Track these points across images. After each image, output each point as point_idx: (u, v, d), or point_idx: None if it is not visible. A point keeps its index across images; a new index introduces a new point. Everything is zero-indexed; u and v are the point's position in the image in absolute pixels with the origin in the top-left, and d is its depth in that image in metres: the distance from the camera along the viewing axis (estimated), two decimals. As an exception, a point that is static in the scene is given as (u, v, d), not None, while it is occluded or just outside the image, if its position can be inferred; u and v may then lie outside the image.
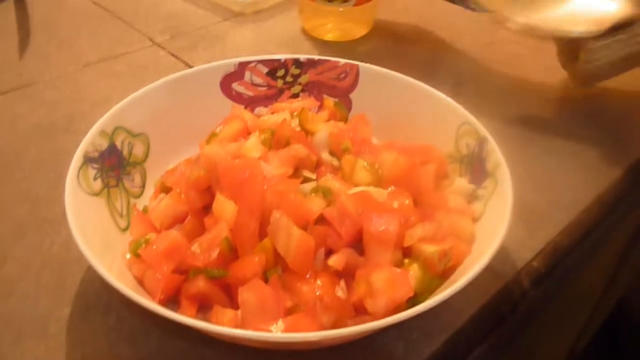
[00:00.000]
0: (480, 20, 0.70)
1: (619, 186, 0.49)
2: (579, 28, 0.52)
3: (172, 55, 0.63)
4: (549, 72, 0.63)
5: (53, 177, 0.47)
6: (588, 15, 0.52)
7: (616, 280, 0.84)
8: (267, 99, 0.48)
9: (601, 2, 0.53)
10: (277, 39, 0.66)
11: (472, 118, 0.42)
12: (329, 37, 0.65)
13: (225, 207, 0.35)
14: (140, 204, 0.41)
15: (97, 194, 0.38)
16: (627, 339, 1.06)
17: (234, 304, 0.34)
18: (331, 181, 0.37)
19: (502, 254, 0.41)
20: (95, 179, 0.38)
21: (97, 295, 0.38)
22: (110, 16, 0.70)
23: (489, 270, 0.40)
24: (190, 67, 0.60)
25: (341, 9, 0.63)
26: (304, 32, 0.67)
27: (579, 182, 0.48)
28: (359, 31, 0.66)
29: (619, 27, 0.51)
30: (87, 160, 0.38)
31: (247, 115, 0.45)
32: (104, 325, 0.36)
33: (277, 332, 0.31)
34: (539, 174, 0.48)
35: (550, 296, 0.50)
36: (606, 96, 0.59)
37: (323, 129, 0.41)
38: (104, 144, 0.40)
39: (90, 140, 0.39)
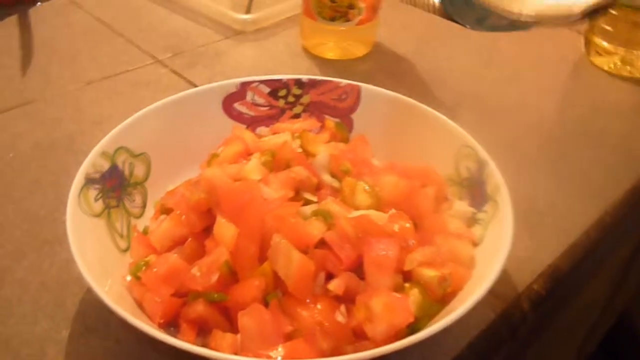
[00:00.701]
0: (479, 39, 0.70)
1: (620, 208, 0.49)
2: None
3: (174, 72, 0.63)
4: (549, 91, 0.63)
5: (53, 197, 0.47)
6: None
7: (616, 296, 0.84)
8: (269, 119, 0.48)
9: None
10: (278, 57, 0.66)
11: (472, 141, 0.42)
12: (330, 55, 0.66)
13: (225, 230, 0.35)
14: (141, 224, 0.41)
15: (97, 215, 0.38)
16: (627, 355, 1.06)
17: (233, 328, 0.34)
18: (331, 204, 0.37)
19: (502, 277, 0.41)
20: (96, 200, 0.38)
21: (96, 317, 0.38)
22: (112, 34, 0.70)
23: (489, 293, 0.40)
24: (192, 84, 0.60)
25: (342, 28, 0.63)
26: (305, 50, 0.67)
27: (579, 204, 0.48)
28: (360, 50, 0.66)
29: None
30: (89, 181, 0.38)
31: (247, 135, 0.45)
32: (103, 348, 0.36)
33: (277, 359, 0.31)
34: (538, 196, 0.49)
35: (550, 319, 0.50)
36: (607, 117, 0.59)
37: (324, 151, 0.41)
38: (106, 165, 0.40)
39: (91, 161, 0.39)
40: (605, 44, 0.64)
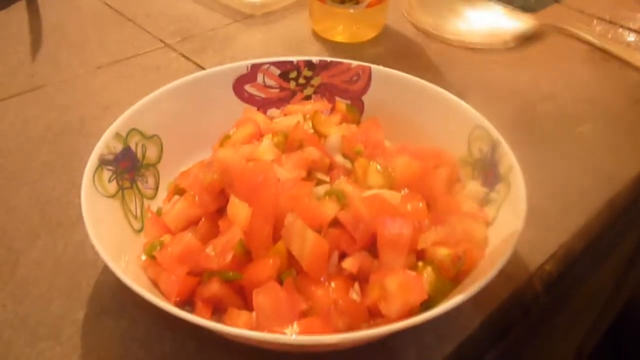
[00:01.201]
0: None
1: (631, 191, 0.49)
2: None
3: (183, 56, 0.63)
4: (561, 74, 0.63)
5: (65, 180, 0.47)
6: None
7: (624, 283, 0.84)
8: (280, 101, 0.48)
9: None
10: (287, 41, 0.66)
11: (485, 121, 0.42)
12: (339, 39, 0.65)
13: (239, 210, 0.35)
14: (154, 205, 0.41)
15: (112, 196, 0.38)
16: (634, 342, 1.06)
17: (248, 306, 0.34)
18: (345, 184, 0.37)
19: (514, 258, 0.41)
20: (110, 181, 0.38)
21: (111, 297, 0.38)
22: (122, 18, 0.70)
23: (501, 274, 0.40)
24: (202, 68, 0.60)
25: (352, 11, 0.63)
26: (314, 34, 0.67)
27: (590, 186, 0.48)
28: (369, 33, 0.66)
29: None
30: (102, 162, 0.38)
31: (259, 117, 0.45)
32: (118, 328, 0.37)
33: (292, 335, 0.31)
34: (550, 178, 0.48)
35: (562, 300, 0.50)
36: (620, 99, 0.58)
37: (336, 132, 0.41)
38: (119, 147, 0.40)
39: (105, 142, 0.39)
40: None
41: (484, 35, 0.64)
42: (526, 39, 0.66)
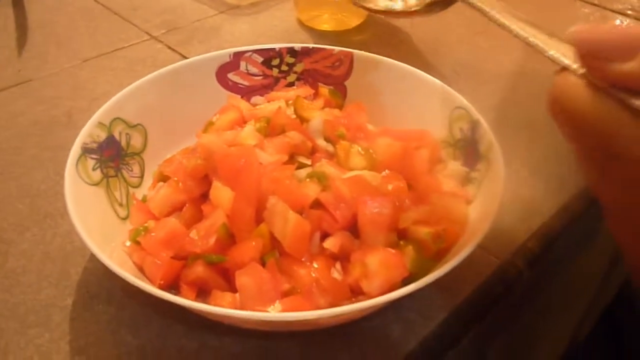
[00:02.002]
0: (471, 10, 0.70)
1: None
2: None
3: (169, 48, 0.63)
4: (542, 58, 0.63)
5: (53, 172, 0.47)
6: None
7: (616, 267, 0.85)
8: (263, 88, 0.49)
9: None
10: (273, 31, 0.66)
11: (465, 102, 0.42)
12: (325, 27, 0.66)
13: (222, 194, 0.36)
14: (140, 193, 0.42)
15: (96, 184, 0.38)
16: (628, 326, 1.06)
17: (232, 288, 0.35)
18: (326, 166, 0.38)
19: (497, 237, 0.41)
20: (94, 169, 0.39)
21: (99, 284, 0.39)
22: (107, 11, 0.70)
23: (484, 251, 0.40)
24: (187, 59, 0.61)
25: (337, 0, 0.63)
26: (300, 23, 0.67)
27: (570, 168, 0.48)
28: (354, 21, 0.66)
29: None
30: (85, 151, 0.39)
31: (243, 104, 0.45)
32: (106, 314, 0.37)
33: (274, 312, 0.31)
34: (531, 160, 0.49)
35: (546, 278, 0.51)
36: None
37: (318, 116, 0.42)
38: (102, 135, 0.41)
39: (88, 131, 0.40)
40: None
41: None
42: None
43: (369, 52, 0.49)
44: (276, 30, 0.67)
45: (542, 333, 0.74)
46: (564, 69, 0.26)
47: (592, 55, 0.23)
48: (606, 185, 0.26)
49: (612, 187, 0.26)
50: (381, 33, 0.66)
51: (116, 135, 0.42)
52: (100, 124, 0.40)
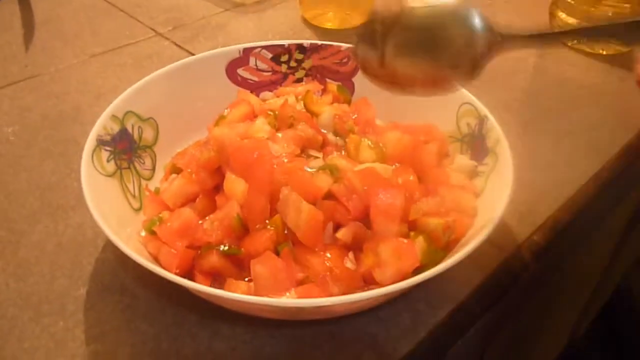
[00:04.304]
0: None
1: (617, 164, 0.50)
2: None
3: (176, 45, 0.64)
4: (547, 54, 0.64)
5: (63, 165, 0.48)
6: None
7: (615, 264, 0.86)
8: (272, 84, 0.49)
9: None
10: (278, 28, 0.67)
11: (472, 98, 0.43)
12: (329, 25, 0.66)
13: (235, 185, 0.36)
14: (151, 185, 0.42)
15: (110, 175, 0.39)
16: (626, 323, 1.07)
17: (245, 277, 0.35)
18: (337, 159, 0.38)
19: (504, 229, 0.42)
20: (108, 160, 0.39)
21: (112, 275, 0.39)
22: (113, 9, 0.71)
23: (491, 244, 0.41)
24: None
25: (341, -3, 0.64)
26: (305, 21, 0.68)
27: (577, 160, 0.49)
28: (359, 19, 0.67)
29: None
30: (100, 142, 0.39)
31: (253, 99, 0.46)
32: (121, 304, 0.38)
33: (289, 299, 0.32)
34: (538, 153, 0.50)
35: (551, 270, 0.52)
36: (604, 77, 0.60)
37: (328, 110, 0.43)
38: (116, 128, 0.41)
39: (102, 123, 0.40)
40: (564, 16, 0.62)
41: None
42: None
43: (374, 49, 0.49)
44: (281, 28, 0.67)
45: (544, 326, 0.74)
46: None
47: None
48: None
49: None
50: (385, 31, 0.67)
51: (129, 128, 0.42)
52: (114, 117, 0.41)
